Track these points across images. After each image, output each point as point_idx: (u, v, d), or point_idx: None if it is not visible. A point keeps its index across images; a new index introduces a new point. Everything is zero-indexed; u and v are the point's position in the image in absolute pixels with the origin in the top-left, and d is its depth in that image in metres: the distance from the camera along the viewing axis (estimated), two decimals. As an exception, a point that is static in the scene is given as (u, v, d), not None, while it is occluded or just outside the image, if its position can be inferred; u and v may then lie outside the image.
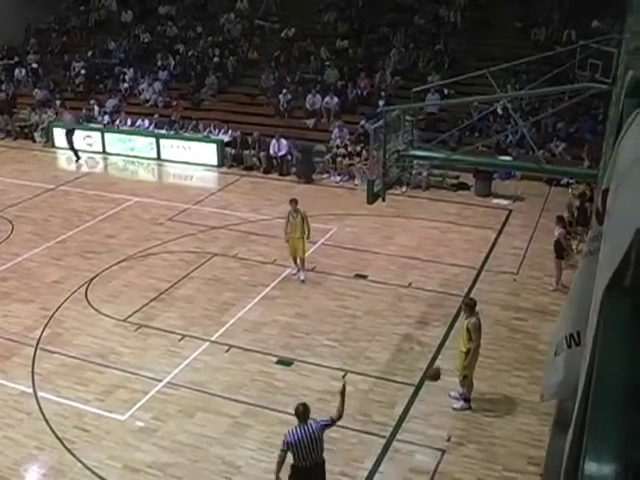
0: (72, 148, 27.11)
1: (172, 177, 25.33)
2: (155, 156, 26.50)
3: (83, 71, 32.50)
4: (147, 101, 29.99)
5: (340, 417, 9.43)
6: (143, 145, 26.76)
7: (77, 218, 21.01)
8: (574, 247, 16.96)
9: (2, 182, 24.41)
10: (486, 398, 12.39)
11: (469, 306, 11.85)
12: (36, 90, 32.32)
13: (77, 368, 13.50)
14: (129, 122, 28.38)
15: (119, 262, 17.92)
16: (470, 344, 11.67)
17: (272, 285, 16.58)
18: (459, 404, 12.12)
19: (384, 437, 11.47)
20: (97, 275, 17.22)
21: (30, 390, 12.85)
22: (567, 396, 4.82)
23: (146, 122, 27.99)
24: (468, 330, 11.64)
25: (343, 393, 9.52)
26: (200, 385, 12.86)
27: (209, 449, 11.28)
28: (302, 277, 16.67)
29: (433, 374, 11.85)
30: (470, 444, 11.28)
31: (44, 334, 14.70)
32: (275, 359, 13.61)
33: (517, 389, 12.56)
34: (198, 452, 11.21)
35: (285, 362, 13.53)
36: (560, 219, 16.45)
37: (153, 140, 26.61)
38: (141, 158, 26.65)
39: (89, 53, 33.68)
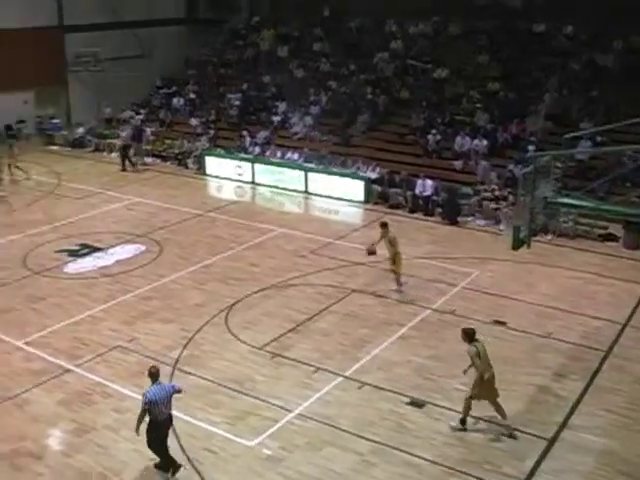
0: (126, 159, 30.10)
1: (318, 211, 25.83)
2: (302, 189, 27.16)
3: (237, 103, 33.88)
4: (297, 134, 30.82)
5: None
6: (291, 177, 27.48)
7: (222, 245, 21.80)
8: None
9: (154, 205, 25.72)
10: (622, 457, 11.86)
11: (467, 334, 12.44)
12: (192, 119, 33.95)
13: (211, 391, 13.95)
14: (279, 154, 29.30)
15: (260, 290, 18.43)
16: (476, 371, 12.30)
17: (409, 325, 16.57)
18: (454, 422, 12.66)
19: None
20: (238, 302, 17.78)
21: (165, 408, 13.39)
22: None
23: (295, 155, 28.79)
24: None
25: None
26: (330, 419, 12.98)
27: (333, 484, 11.35)
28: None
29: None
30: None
31: (182, 355, 15.30)
32: (407, 399, 13.56)
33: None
34: (323, 486, 11.30)
35: (417, 403, 13.46)
36: None
37: (301, 173, 27.30)
38: (289, 190, 27.37)
39: (244, 86, 35.07)
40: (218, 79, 37.06)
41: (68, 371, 14.74)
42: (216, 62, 38.51)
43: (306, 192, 27.09)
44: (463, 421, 12.69)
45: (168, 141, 32.69)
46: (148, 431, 11.30)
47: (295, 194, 27.16)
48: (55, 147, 35.21)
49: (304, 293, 18.38)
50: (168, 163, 31.62)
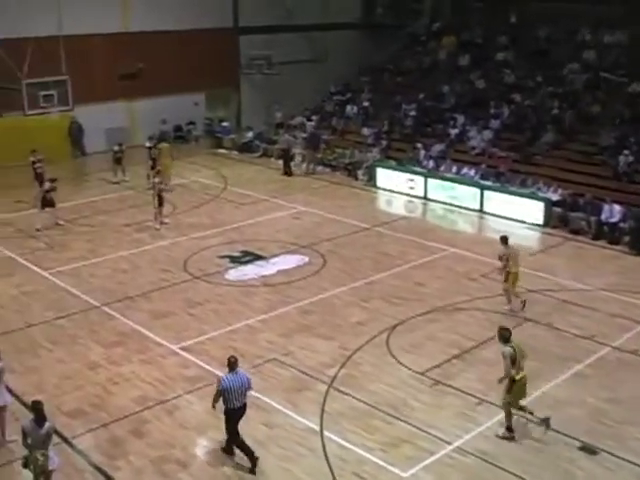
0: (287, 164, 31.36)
1: (492, 231, 25.46)
2: (477, 207, 26.94)
3: (413, 113, 34.08)
4: (475, 149, 30.60)
5: None
6: (466, 195, 27.33)
7: (388, 261, 21.98)
8: None
9: (320, 216, 26.29)
10: None
11: (502, 335, 13.22)
12: (364, 128, 34.45)
13: (366, 414, 14.09)
14: (454, 169, 29.22)
15: (425, 313, 18.44)
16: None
17: (586, 362, 16.05)
18: (501, 431, 13.29)
19: None
20: (401, 323, 17.86)
21: (317, 427, 13.65)
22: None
23: (472, 171, 28.61)
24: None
25: None
26: (490, 456, 12.79)
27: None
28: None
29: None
30: None
31: (339, 374, 15.54)
32: (578, 444, 13.14)
33: None
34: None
35: (589, 450, 13.01)
36: None
37: (477, 191, 27.09)
38: (462, 208, 27.23)
39: (420, 95, 35.21)
40: (394, 87, 37.43)
41: (222, 380, 15.32)
42: (392, 69, 38.96)
43: (481, 211, 26.84)
44: (509, 428, 13.30)
45: (339, 150, 33.33)
46: (225, 416, 12.53)
47: (469, 212, 26.97)
48: (223, 150, 36.77)
49: (472, 318, 18.22)
50: (337, 173, 32.24)
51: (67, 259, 22.30)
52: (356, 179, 31.30)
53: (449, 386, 15.04)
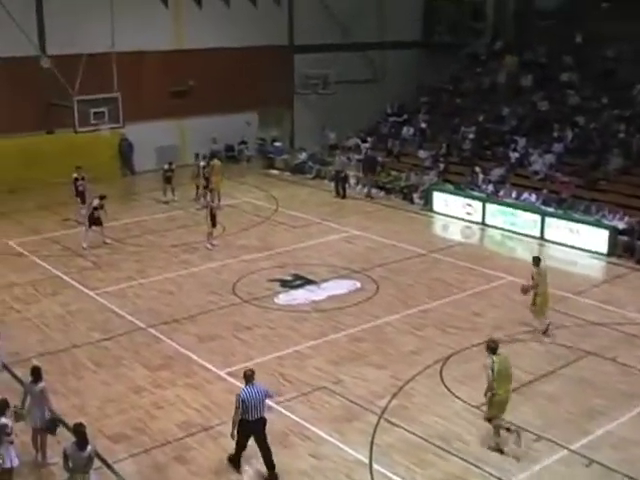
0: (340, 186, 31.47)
1: (553, 260, 25.11)
2: (538, 235, 26.62)
3: (471, 136, 33.93)
4: (536, 174, 30.30)
5: None
6: (526, 221, 27.05)
7: (443, 289, 21.83)
8: None
9: (373, 240, 26.24)
10: None
11: (489, 347, 13.66)
12: (420, 151, 34.39)
13: (417, 447, 13.93)
14: (514, 194, 28.96)
15: (481, 343, 18.05)
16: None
17: (654, 400, 15.71)
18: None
19: None
20: (456, 353, 17.69)
21: (366, 460, 13.53)
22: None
23: (532, 197, 28.34)
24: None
25: None
26: (549, 496, 12.56)
27: None
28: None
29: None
30: None
31: (390, 404, 15.42)
32: (643, 486, 12.83)
33: None
34: None
35: (655, 493, 12.69)
36: None
37: (538, 217, 26.79)
38: (522, 235, 26.93)
39: (480, 117, 35.06)
40: (452, 109, 37.33)
41: (268, 408, 15.24)
42: (451, 90, 38.90)
43: (541, 238, 26.51)
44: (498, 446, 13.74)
45: (394, 173, 33.29)
46: (240, 427, 12.82)
47: (529, 240, 26.66)
48: (275, 171, 37.02)
49: (531, 350, 17.96)
50: (392, 196, 32.19)
51: (114, 279, 22.56)
52: (412, 203, 31.22)
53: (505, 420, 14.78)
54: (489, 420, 13.83)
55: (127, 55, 32.54)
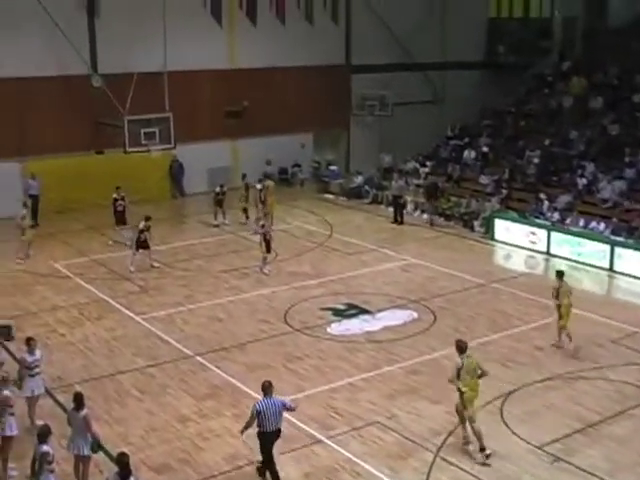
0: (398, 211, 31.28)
1: (623, 292, 24.83)
2: (606, 266, 26.22)
3: (536, 160, 33.63)
4: (605, 201, 29.90)
5: None
6: (594, 251, 26.67)
7: (505, 321, 21.61)
8: None
9: (432, 269, 26.10)
10: None
11: (458, 347, 14.75)
12: (482, 176, 34.19)
13: (476, 488, 13.76)
14: (581, 223, 28.60)
15: (544, 380, 17.96)
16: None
17: None
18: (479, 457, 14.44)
19: None
20: (517, 389, 17.43)
21: (420, 499, 13.39)
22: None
23: (601, 225, 27.97)
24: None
25: None
26: None
27: None
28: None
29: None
30: None
31: (447, 442, 15.24)
32: None
33: None
34: None
35: None
36: None
37: (607, 247, 26.41)
38: (589, 266, 26.55)
39: (546, 141, 34.76)
40: (516, 132, 37.09)
41: (318, 442, 15.24)
42: (515, 112, 38.63)
43: (610, 269, 26.10)
44: (482, 449, 14.52)
45: (454, 199, 33.13)
46: (259, 439, 13.57)
47: (597, 271, 26.27)
48: (330, 195, 37.08)
49: (598, 389, 17.61)
50: (452, 223, 32.02)
51: (161, 304, 22.75)
52: (472, 230, 31.03)
53: (570, 463, 14.49)
54: (471, 423, 14.74)
55: (179, 74, 33.06)
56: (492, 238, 29.92)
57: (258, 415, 13.33)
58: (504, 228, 29.68)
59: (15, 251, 26.78)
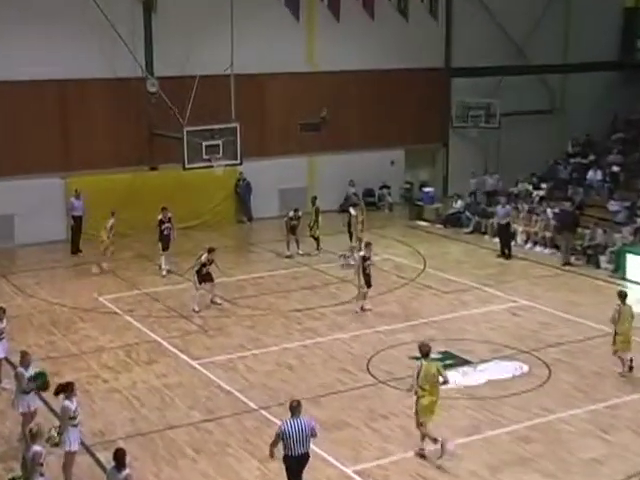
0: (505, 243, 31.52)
1: None
2: None
3: (680, 183, 33.05)
4: None
5: None
6: None
7: (639, 378, 21.08)
8: None
9: (547, 313, 25.71)
10: None
11: (420, 350, 16.69)
12: (611, 201, 33.65)
13: None
14: None
15: (685, 451, 17.46)
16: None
17: None
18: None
19: None
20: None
21: None
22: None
23: None
24: None
25: None
26: None
27: None
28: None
29: None
30: None
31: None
32: None
33: None
34: None
35: None
36: None
37: None
38: None
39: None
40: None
41: None
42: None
43: None
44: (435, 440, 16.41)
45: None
46: (284, 463, 14.35)
47: None
48: (423, 223, 37.00)
49: None
50: (572, 258, 31.51)
51: (222, 347, 22.84)
52: (597, 267, 30.58)
53: None
54: (419, 425, 16.55)
55: (248, 78, 33.36)
56: (622, 277, 29.39)
57: (283, 437, 14.00)
58: (638, 265, 29.16)
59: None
